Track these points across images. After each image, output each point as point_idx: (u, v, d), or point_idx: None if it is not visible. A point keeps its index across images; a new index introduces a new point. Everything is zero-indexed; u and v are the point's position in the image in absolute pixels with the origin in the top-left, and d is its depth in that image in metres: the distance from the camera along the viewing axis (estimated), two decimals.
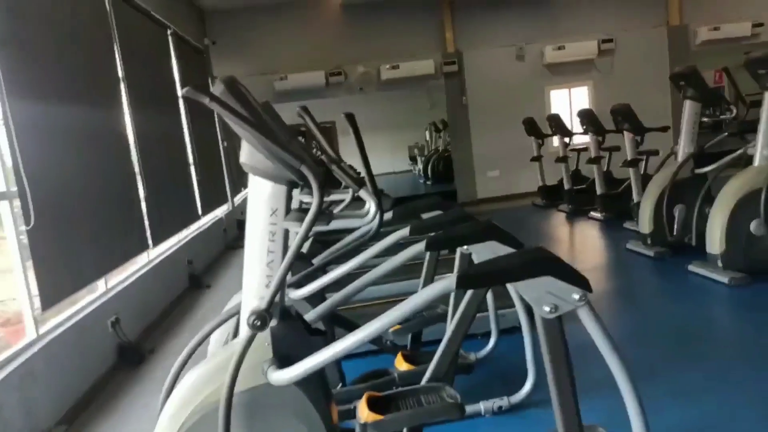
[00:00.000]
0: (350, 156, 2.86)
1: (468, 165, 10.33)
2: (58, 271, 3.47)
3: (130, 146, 5.20)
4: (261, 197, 1.84)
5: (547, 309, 1.61)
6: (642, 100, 8.27)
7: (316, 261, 3.02)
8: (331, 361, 1.74)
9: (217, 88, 1.73)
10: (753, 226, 4.17)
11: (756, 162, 4.36)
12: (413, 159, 16.09)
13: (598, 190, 7.31)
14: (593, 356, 1.65)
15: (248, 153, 1.80)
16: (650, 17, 10.29)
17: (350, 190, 2.39)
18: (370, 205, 1.90)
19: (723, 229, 4.22)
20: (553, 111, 9.27)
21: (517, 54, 10.15)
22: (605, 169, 7.48)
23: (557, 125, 8.26)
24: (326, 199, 3.04)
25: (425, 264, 3.12)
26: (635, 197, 6.36)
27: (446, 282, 1.66)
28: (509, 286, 2.69)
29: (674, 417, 2.60)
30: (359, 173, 2.86)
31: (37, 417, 3.00)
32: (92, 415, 3.38)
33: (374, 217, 1.92)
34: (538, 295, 1.62)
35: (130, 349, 4.18)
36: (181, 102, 7.37)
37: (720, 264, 4.28)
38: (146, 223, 5.23)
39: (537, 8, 10.10)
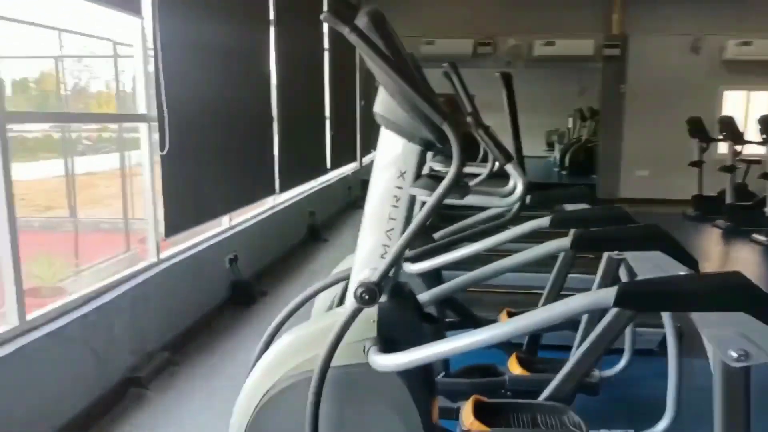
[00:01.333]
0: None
1: (614, 159, 9.50)
2: (185, 201, 3.52)
3: (272, 89, 5.22)
4: (390, 156, 1.61)
5: (734, 355, 1.23)
6: None
7: (438, 236, 2.76)
8: (442, 357, 1.49)
9: (360, 20, 1.49)
10: None
11: None
12: (550, 145, 15.23)
13: None
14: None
15: (384, 102, 1.57)
16: None
17: (488, 164, 2.09)
18: (517, 184, 1.59)
19: None
20: (727, 114, 8.16)
21: (693, 45, 9.03)
22: None
23: (730, 130, 7.25)
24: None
25: (559, 261, 2.75)
26: None
27: (602, 296, 1.31)
28: (666, 315, 2.27)
29: None
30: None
31: (144, 339, 3.07)
32: (197, 347, 3.44)
33: (519, 198, 1.61)
34: (726, 334, 1.24)
35: (244, 288, 4.23)
36: (326, 54, 7.36)
37: None
38: (276, 168, 5.27)
39: None
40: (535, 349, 2.91)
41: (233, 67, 4.38)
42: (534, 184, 4.17)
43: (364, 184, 7.66)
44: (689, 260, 1.76)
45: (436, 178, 1.55)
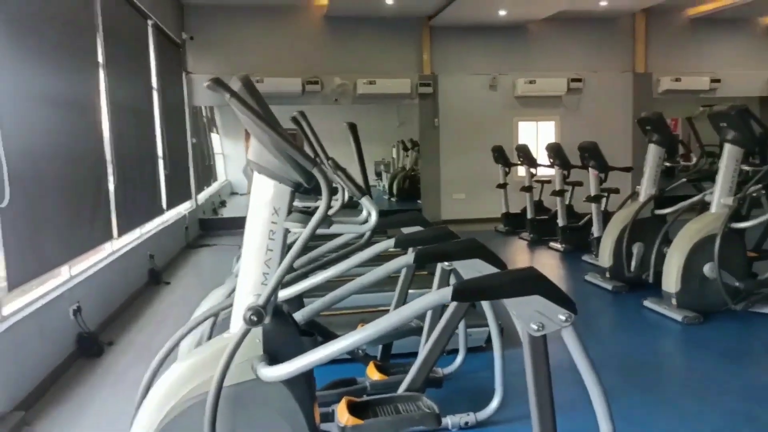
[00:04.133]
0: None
1: (435, 185, 10.50)
2: (26, 252, 3.38)
3: (104, 133, 5.10)
4: (264, 196, 1.88)
5: (534, 327, 1.70)
6: (605, 139, 8.61)
7: (298, 264, 3.03)
8: (321, 362, 1.78)
9: (234, 85, 1.77)
10: (707, 269, 4.42)
11: (713, 209, 4.62)
12: (378, 175, 16.22)
13: (560, 222, 7.55)
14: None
15: (257, 151, 1.84)
16: (618, 62, 10.77)
17: (341, 197, 2.44)
18: (372, 213, 1.96)
19: (679, 269, 4.45)
20: (521, 141, 9.56)
21: (491, 83, 10.43)
22: (568, 202, 7.75)
23: (525, 156, 8.51)
24: (313, 204, 3.10)
25: (401, 278, 3.19)
26: (595, 232, 6.62)
27: (442, 294, 1.72)
28: (484, 304, 2.81)
29: None
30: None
31: None
32: (49, 402, 3.29)
33: (373, 226, 1.98)
34: (528, 312, 1.71)
35: (90, 340, 4.07)
36: (155, 94, 7.27)
37: (674, 302, 4.50)
38: (113, 211, 5.13)
39: (512, 41, 10.44)
40: (388, 357, 3.31)
41: (65, 112, 4.26)
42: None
43: (202, 224, 7.76)
44: (500, 263, 2.26)
45: (303, 212, 1.87)
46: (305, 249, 1.86)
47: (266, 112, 1.85)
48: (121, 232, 5.34)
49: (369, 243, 2.84)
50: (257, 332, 1.85)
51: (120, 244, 5.51)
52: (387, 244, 2.68)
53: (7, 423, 2.85)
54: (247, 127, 1.78)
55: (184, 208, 8.58)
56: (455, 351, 3.32)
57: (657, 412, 3.06)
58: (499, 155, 9.06)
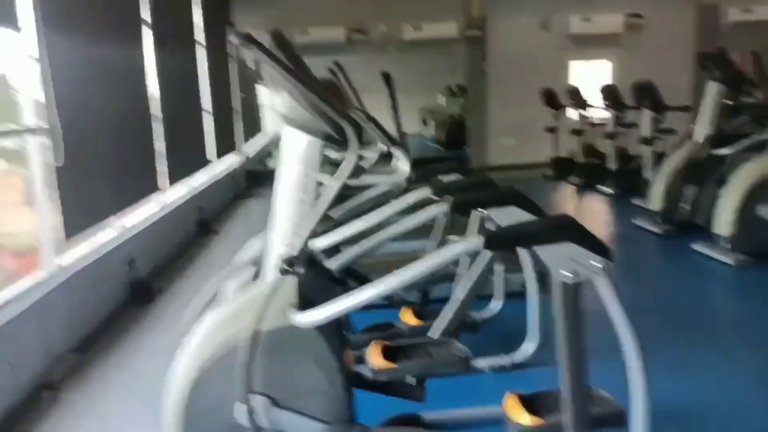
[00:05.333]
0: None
1: (482, 131, 10.29)
2: (81, 205, 3.57)
3: (151, 92, 5.22)
4: (296, 149, 1.89)
5: (567, 274, 1.67)
6: (665, 78, 8.11)
7: (334, 213, 3.08)
8: (352, 309, 1.82)
9: (264, 40, 1.76)
10: (763, 211, 4.21)
11: None
12: (424, 122, 16.01)
13: (612, 166, 7.30)
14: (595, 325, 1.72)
15: (288, 104, 1.85)
16: None
17: (376, 148, 2.44)
18: (403, 164, 1.95)
19: (733, 211, 4.26)
20: (574, 83, 9.18)
21: (542, 23, 9.97)
22: (620, 144, 7.46)
23: (576, 98, 8.19)
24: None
25: (439, 225, 3.19)
26: (648, 175, 6.37)
27: (474, 242, 1.72)
28: (522, 251, 2.77)
29: (673, 388, 2.69)
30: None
31: (53, 344, 3.13)
32: (103, 347, 3.52)
33: (405, 176, 1.98)
34: (560, 260, 1.67)
35: (142, 288, 4.30)
36: (202, 48, 7.33)
37: (727, 245, 4.33)
38: (162, 165, 5.30)
39: None
40: (426, 303, 3.35)
41: (112, 71, 4.37)
42: (414, 159, 4.63)
43: (250, 175, 7.89)
44: (537, 210, 2.22)
45: (335, 164, 1.88)
46: (339, 199, 1.88)
47: (298, 65, 1.84)
48: (171, 183, 5.52)
49: (409, 192, 2.84)
50: (292, 280, 1.90)
51: (170, 197, 5.71)
52: (422, 192, 2.67)
53: (64, 363, 3.08)
54: (279, 82, 1.79)
55: (232, 161, 8.76)
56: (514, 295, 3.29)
57: (705, 357, 3.01)
58: (549, 98, 8.76)
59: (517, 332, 3.11)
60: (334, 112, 1.69)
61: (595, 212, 6.94)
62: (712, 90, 5.23)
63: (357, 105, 2.26)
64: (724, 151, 5.06)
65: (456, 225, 3.27)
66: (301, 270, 1.85)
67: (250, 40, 1.58)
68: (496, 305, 3.33)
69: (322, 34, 9.34)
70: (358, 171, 1.82)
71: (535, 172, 9.39)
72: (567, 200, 7.61)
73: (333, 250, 2.99)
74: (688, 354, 3.05)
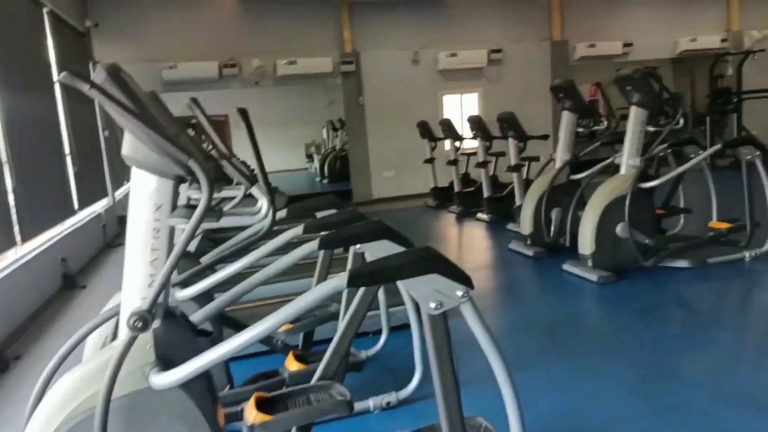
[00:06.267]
0: (244, 151, 2.80)
1: (364, 165, 10.45)
2: None
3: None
4: (145, 192, 1.75)
5: (432, 305, 1.68)
6: (526, 108, 8.83)
7: (205, 260, 2.92)
8: (217, 362, 1.70)
9: (98, 76, 1.62)
10: (618, 229, 4.59)
11: (622, 170, 4.79)
12: (310, 157, 16.02)
13: (485, 193, 7.68)
14: (475, 350, 1.74)
15: (131, 145, 1.71)
16: (535, 31, 10.97)
17: (242, 187, 2.35)
18: (262, 203, 1.87)
19: (593, 231, 4.60)
20: (446, 115, 9.62)
21: (413, 58, 10.41)
22: (492, 173, 7.88)
23: (449, 129, 8.57)
24: (218, 195, 2.97)
25: (318, 263, 3.13)
26: (518, 200, 6.76)
27: (337, 280, 1.68)
28: (399, 284, 2.78)
29: (548, 404, 2.81)
30: (252, 170, 2.81)
31: None
32: None
33: (266, 214, 1.90)
34: (425, 292, 1.68)
35: None
36: (57, 87, 6.81)
37: (590, 263, 4.66)
38: (14, 216, 4.79)
39: (432, 15, 10.43)
40: (310, 345, 3.25)
41: None
42: (295, 196, 4.55)
43: (122, 221, 7.39)
44: (407, 243, 2.24)
45: (191, 207, 1.76)
46: (213, 243, 1.76)
47: (138, 102, 1.72)
48: (27, 236, 5.00)
49: (284, 231, 2.75)
50: (148, 337, 1.74)
51: (26, 251, 5.17)
52: (295, 231, 2.60)
53: None
54: (117, 121, 1.65)
55: (100, 207, 8.16)
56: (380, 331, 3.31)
57: (578, 372, 3.16)
58: (425, 130, 9.09)
59: (404, 367, 3.10)
60: (179, 151, 1.58)
61: (473, 238, 7.23)
62: (566, 119, 5.69)
63: (216, 142, 2.15)
64: (581, 175, 5.49)
65: (340, 262, 3.23)
66: (156, 324, 1.70)
67: (77, 76, 1.44)
68: (381, 341, 3.30)
69: (192, 69, 9.07)
70: (216, 213, 1.71)
71: (418, 202, 9.67)
72: (448, 228, 7.88)
73: (206, 300, 2.83)
74: (562, 370, 3.20)
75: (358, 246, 2.57)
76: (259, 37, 9.64)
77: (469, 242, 7.14)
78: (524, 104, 9.30)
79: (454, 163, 8.49)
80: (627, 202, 4.52)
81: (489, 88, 10.78)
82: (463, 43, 10.50)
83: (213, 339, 1.90)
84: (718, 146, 4.83)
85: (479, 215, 7.86)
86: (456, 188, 8.56)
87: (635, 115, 4.77)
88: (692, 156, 4.97)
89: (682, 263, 4.71)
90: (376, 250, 2.25)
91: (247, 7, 9.60)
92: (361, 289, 2.34)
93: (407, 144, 9.95)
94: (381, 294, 3.11)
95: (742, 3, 11.83)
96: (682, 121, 4.89)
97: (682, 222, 5.46)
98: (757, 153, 4.77)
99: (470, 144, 8.79)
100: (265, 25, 9.69)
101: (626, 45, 11.15)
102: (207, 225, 1.72)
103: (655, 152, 4.90)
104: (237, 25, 9.65)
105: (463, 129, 8.77)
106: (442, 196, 9.15)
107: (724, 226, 4.86)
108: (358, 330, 2.35)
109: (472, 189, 8.45)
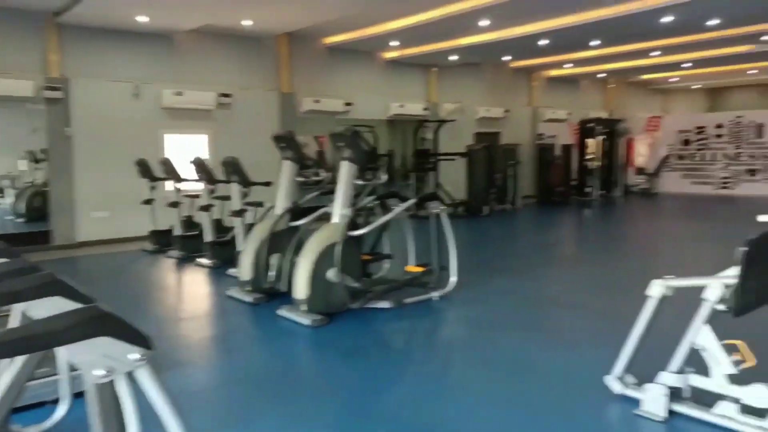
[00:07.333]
0: None
1: (68, 203, 9.25)
2: None
3: None
4: None
5: (100, 373, 1.48)
6: (255, 154, 8.94)
7: None
8: None
9: None
10: (330, 273, 4.85)
11: (334, 219, 5.11)
12: (2, 191, 13.60)
13: (207, 238, 7.44)
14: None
15: None
16: (265, 81, 11.27)
17: None
18: None
19: (307, 277, 4.77)
20: (169, 155, 9.13)
21: (133, 92, 9.73)
22: (216, 217, 7.69)
23: (169, 170, 8.16)
24: None
25: None
26: (239, 246, 6.70)
27: None
28: (59, 351, 2.44)
29: None
30: None
31: None
32: None
33: None
34: (91, 358, 1.49)
35: None
36: None
37: (304, 308, 4.81)
38: None
39: (158, 50, 9.98)
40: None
41: None
42: None
43: None
44: (84, 299, 1.97)
45: None
46: None
47: None
48: None
49: None
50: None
51: None
52: None
53: None
54: None
55: None
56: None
57: (283, 419, 3.16)
58: (144, 169, 8.49)
59: None
60: None
61: (191, 285, 6.90)
62: (287, 168, 5.88)
63: None
64: (299, 222, 5.70)
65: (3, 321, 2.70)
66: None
67: None
68: (61, 410, 2.84)
69: None
70: None
71: (134, 246, 8.91)
72: (164, 274, 7.38)
73: None
74: (270, 419, 3.17)
75: (23, 304, 2.18)
76: None
77: (188, 289, 6.78)
78: (253, 150, 9.39)
79: (175, 205, 8.07)
80: (338, 248, 4.81)
81: (218, 131, 10.63)
82: (190, 83, 10.23)
83: None
84: (413, 200, 5.50)
85: (201, 260, 7.56)
86: (177, 232, 8.12)
87: (346, 169, 5.16)
88: (393, 208, 5.57)
89: (384, 304, 5.19)
90: (45, 309, 1.93)
91: None
92: (19, 359, 1.98)
93: (124, 183, 9.16)
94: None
95: (439, 80, 14.04)
96: (385, 177, 5.47)
97: (387, 266, 6.03)
98: (442, 207, 5.57)
99: (195, 186, 8.48)
100: None
101: (347, 104, 12.19)
102: None
103: (363, 203, 5.36)
104: None
105: (188, 170, 8.42)
106: (162, 240, 8.58)
107: (418, 269, 5.52)
108: (15, 404, 1.97)
109: (196, 233, 8.11)
